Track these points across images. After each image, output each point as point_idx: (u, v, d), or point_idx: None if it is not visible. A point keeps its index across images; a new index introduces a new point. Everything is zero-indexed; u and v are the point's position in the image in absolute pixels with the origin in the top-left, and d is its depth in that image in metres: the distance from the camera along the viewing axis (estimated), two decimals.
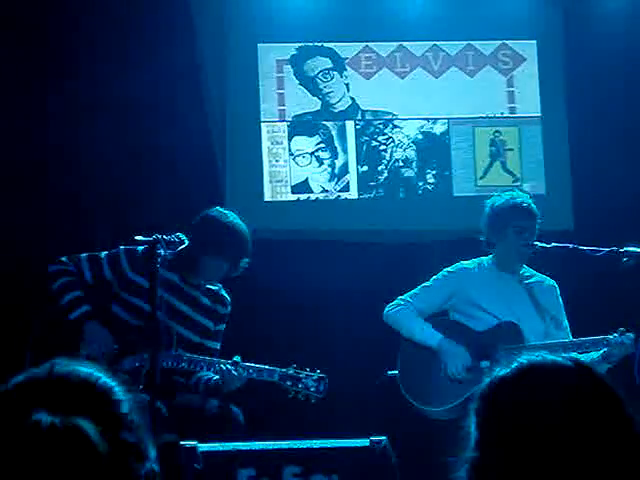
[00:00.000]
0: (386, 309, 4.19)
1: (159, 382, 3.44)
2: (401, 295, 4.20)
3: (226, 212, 4.01)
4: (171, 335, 3.86)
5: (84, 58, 5.24)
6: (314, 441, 3.47)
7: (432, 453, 3.74)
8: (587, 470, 1.36)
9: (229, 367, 3.79)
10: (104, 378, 1.20)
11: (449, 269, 4.22)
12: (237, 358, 3.84)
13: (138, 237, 3.67)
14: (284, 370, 3.83)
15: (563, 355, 1.49)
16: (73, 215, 5.15)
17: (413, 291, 4.19)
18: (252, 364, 3.83)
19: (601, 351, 3.86)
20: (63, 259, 3.96)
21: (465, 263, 4.23)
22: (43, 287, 3.94)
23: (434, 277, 4.21)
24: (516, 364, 1.46)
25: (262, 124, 5.53)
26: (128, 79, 5.26)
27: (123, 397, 1.19)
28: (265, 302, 5.16)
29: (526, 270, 4.24)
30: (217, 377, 3.82)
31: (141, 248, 3.92)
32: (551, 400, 1.40)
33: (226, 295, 4.13)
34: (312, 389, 3.82)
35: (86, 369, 1.21)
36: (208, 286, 4.06)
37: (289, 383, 3.81)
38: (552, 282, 4.24)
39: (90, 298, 3.94)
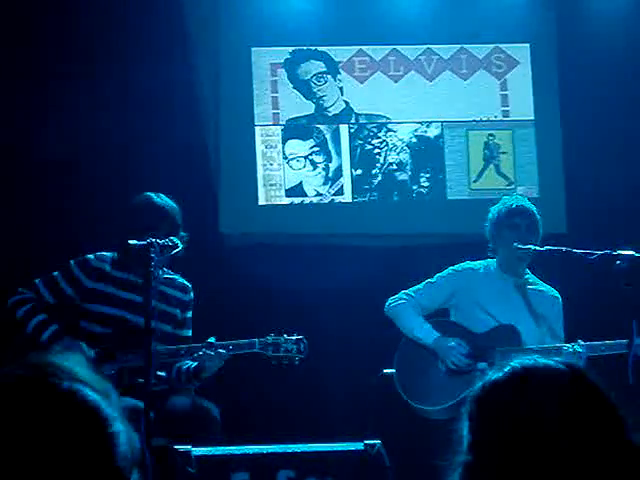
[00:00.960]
0: (388, 301, 4.21)
1: (146, 381, 3.46)
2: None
3: (147, 194, 4.03)
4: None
5: (81, 59, 5.23)
6: (308, 445, 3.47)
7: (426, 456, 3.73)
8: (579, 474, 1.37)
9: (205, 350, 3.81)
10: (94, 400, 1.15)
11: (454, 267, 4.24)
12: (211, 339, 3.87)
13: (131, 241, 3.68)
14: (262, 339, 3.86)
15: (557, 359, 1.49)
16: (65, 217, 5.14)
17: (417, 286, 4.22)
18: (230, 341, 3.85)
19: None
20: (20, 289, 4.00)
21: (472, 263, 4.26)
22: (6, 320, 3.96)
23: (439, 274, 4.24)
24: (509, 368, 1.46)
25: (256, 127, 5.53)
26: (122, 82, 5.26)
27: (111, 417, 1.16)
28: (259, 305, 5.16)
29: (531, 277, 4.25)
30: (195, 363, 3.83)
31: (91, 256, 3.99)
32: (544, 403, 1.40)
33: (186, 282, 4.14)
34: (294, 351, 3.86)
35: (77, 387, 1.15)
36: (165, 276, 4.05)
37: (270, 350, 3.84)
38: (556, 293, 4.25)
39: (55, 319, 3.97)
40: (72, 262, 4.02)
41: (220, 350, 3.82)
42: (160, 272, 4.02)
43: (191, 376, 3.90)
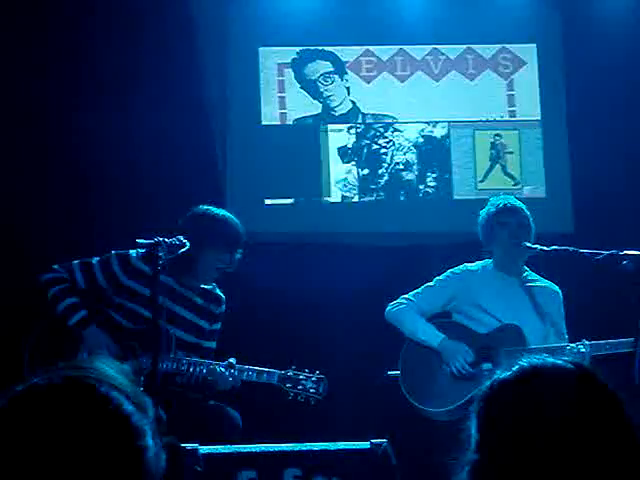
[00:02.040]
0: (388, 307, 4.20)
1: (160, 385, 3.45)
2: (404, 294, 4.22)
3: (212, 207, 4.04)
4: (170, 338, 3.87)
5: (85, 59, 5.24)
6: (315, 444, 3.47)
7: (432, 455, 3.74)
8: (586, 472, 1.37)
9: (222, 369, 3.80)
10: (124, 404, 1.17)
11: (453, 270, 4.24)
12: (232, 360, 3.85)
13: (139, 240, 3.68)
14: (283, 372, 3.84)
15: (565, 358, 1.50)
16: (74, 217, 5.16)
17: (416, 290, 4.22)
18: (251, 367, 3.84)
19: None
20: (55, 267, 3.98)
21: (469, 265, 4.26)
22: (38, 296, 3.95)
23: (438, 277, 4.23)
24: (517, 367, 1.46)
25: (263, 127, 5.54)
26: (129, 82, 5.27)
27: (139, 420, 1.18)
28: (266, 304, 5.17)
29: (530, 274, 4.25)
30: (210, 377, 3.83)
31: (133, 252, 3.96)
32: (552, 403, 1.41)
33: (220, 293, 4.14)
34: (312, 390, 3.83)
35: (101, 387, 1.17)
36: (202, 286, 4.07)
37: (289, 385, 3.82)
38: (556, 288, 4.25)
39: (86, 304, 3.95)
40: (113, 253, 3.99)
41: (227, 375, 3.79)
42: (198, 283, 4.04)
43: (203, 385, 3.90)
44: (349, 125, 5.57)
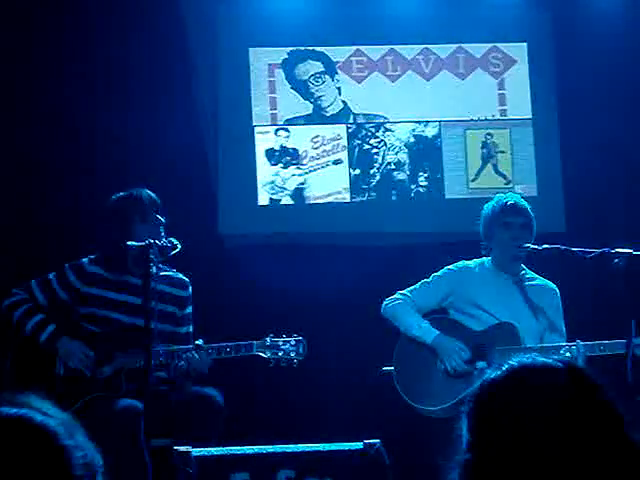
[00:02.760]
0: (384, 302, 4.20)
1: (143, 382, 3.46)
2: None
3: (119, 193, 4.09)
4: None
5: (74, 59, 5.23)
6: (308, 445, 3.47)
7: (426, 455, 3.74)
8: (578, 471, 1.37)
9: (193, 353, 3.80)
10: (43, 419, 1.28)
11: (450, 267, 4.24)
12: (199, 341, 3.87)
13: (131, 242, 3.68)
14: (260, 341, 3.85)
15: (555, 357, 1.50)
16: (65, 217, 5.14)
17: (413, 286, 4.21)
18: (227, 343, 3.85)
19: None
20: (14, 290, 4.01)
21: (467, 262, 4.26)
22: (4, 322, 3.96)
23: (435, 274, 4.23)
24: (507, 366, 1.46)
25: (254, 128, 5.53)
26: (118, 84, 5.26)
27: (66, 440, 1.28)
28: (258, 304, 5.16)
29: (527, 272, 4.25)
30: (182, 363, 3.84)
31: (85, 260, 4.01)
32: (542, 402, 1.41)
33: (183, 277, 4.14)
34: (292, 353, 3.86)
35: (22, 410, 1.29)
36: (162, 273, 4.05)
37: (268, 352, 3.84)
38: (553, 286, 4.25)
39: (53, 318, 3.98)
40: (66, 266, 4.03)
41: (196, 356, 3.80)
42: (155, 269, 4.03)
43: (184, 375, 3.91)
44: (277, 127, 5.54)
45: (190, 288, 4.13)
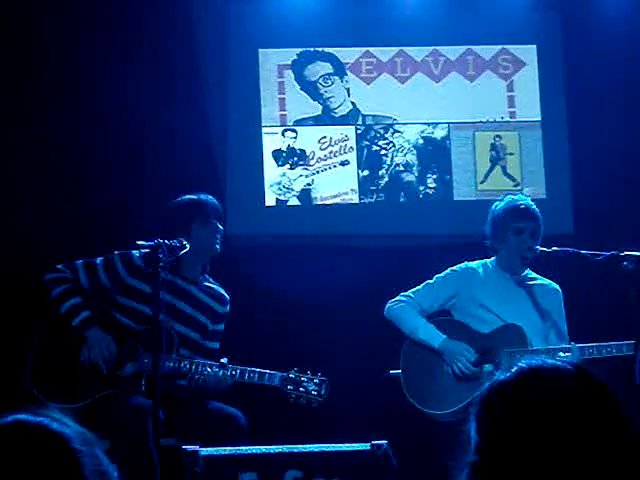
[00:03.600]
0: (388, 304, 4.19)
1: (161, 386, 3.46)
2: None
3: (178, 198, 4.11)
4: (172, 337, 3.86)
5: (84, 61, 5.25)
6: (315, 445, 3.47)
7: (433, 456, 3.74)
8: (586, 473, 1.37)
9: (215, 371, 3.79)
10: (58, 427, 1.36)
11: (454, 268, 4.24)
12: (224, 360, 3.84)
13: (140, 242, 3.69)
14: (285, 374, 3.83)
15: (564, 360, 1.50)
16: (73, 220, 5.16)
17: (416, 288, 4.21)
18: (252, 368, 3.83)
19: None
20: (59, 266, 3.97)
21: (470, 263, 4.25)
22: (41, 295, 3.94)
23: (438, 275, 4.23)
24: (516, 368, 1.47)
25: (263, 129, 5.54)
26: (128, 84, 5.27)
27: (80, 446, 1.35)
28: (267, 305, 5.17)
29: (529, 273, 4.25)
30: (201, 377, 3.82)
31: (136, 252, 3.95)
32: (551, 404, 1.41)
33: (224, 293, 4.13)
34: (314, 392, 3.81)
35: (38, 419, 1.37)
36: (206, 283, 4.06)
37: (290, 387, 3.81)
38: (556, 286, 4.25)
39: (90, 304, 3.95)
40: (116, 253, 4.00)
41: (226, 373, 3.79)
42: (201, 278, 4.04)
43: (201, 392, 3.89)
44: (284, 128, 5.55)
45: (228, 306, 4.12)
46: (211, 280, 4.10)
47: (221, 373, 3.79)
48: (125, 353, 3.86)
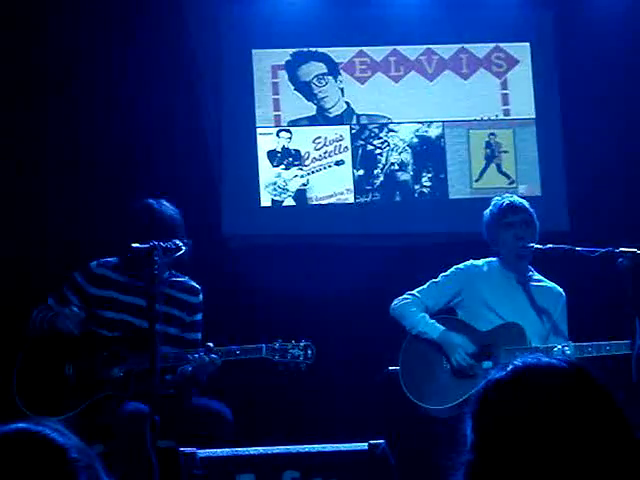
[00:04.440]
0: (393, 303, 4.21)
1: (150, 384, 3.47)
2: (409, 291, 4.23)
3: (147, 201, 4.07)
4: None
5: (81, 59, 5.24)
6: (313, 445, 3.48)
7: (430, 455, 3.74)
8: (583, 471, 1.37)
9: (201, 355, 3.81)
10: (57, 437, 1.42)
11: (459, 266, 4.25)
12: (210, 344, 3.88)
13: (135, 244, 3.69)
14: (270, 345, 3.87)
15: (559, 357, 1.50)
16: (72, 218, 5.16)
17: (421, 287, 4.22)
18: (236, 345, 3.86)
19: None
20: (34, 311, 4.04)
21: (475, 261, 4.27)
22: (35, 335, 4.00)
23: (443, 273, 4.24)
24: (511, 366, 1.47)
25: (258, 129, 5.54)
26: (122, 86, 5.27)
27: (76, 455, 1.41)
28: (263, 305, 5.17)
29: (534, 274, 4.26)
30: (187, 366, 3.85)
31: (93, 263, 4.06)
32: (546, 402, 1.41)
33: (194, 284, 4.15)
34: (301, 357, 3.88)
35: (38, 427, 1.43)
36: (173, 279, 4.07)
37: (277, 356, 3.85)
38: (560, 290, 4.26)
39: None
40: (74, 273, 4.09)
41: (212, 356, 3.83)
42: (167, 274, 4.05)
43: (190, 379, 3.91)
44: (278, 129, 5.55)
45: (201, 295, 4.14)
46: (179, 275, 4.11)
47: (207, 358, 3.81)
48: (109, 360, 3.89)
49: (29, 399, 3.88)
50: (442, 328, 4.08)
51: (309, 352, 3.88)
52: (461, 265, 4.25)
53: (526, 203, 4.19)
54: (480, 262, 4.27)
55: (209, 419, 3.86)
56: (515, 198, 4.22)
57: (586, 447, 1.38)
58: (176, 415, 3.83)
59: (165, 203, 4.07)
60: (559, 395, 1.42)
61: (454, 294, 4.20)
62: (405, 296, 4.21)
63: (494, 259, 4.27)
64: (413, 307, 4.16)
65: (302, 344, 3.90)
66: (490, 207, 4.22)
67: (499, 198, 4.26)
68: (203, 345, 3.93)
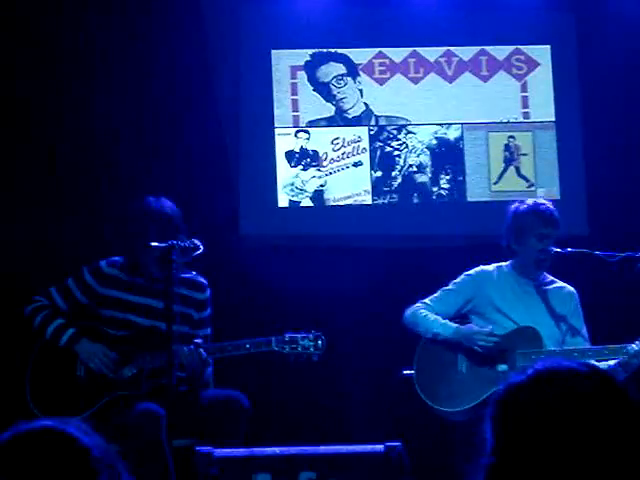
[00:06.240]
0: (405, 312, 4.20)
1: (164, 382, 3.48)
2: (420, 299, 4.21)
3: (145, 198, 4.07)
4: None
5: (98, 62, 5.26)
6: (329, 446, 3.47)
7: (447, 457, 3.73)
8: (603, 474, 1.36)
9: (191, 349, 3.81)
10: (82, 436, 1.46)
11: (469, 272, 4.23)
12: (198, 340, 3.89)
13: (153, 243, 3.70)
14: (280, 337, 3.87)
15: (580, 362, 1.49)
16: (85, 220, 5.17)
17: (433, 295, 4.21)
18: (245, 340, 3.86)
19: (619, 359, 3.86)
20: (36, 297, 4.06)
21: (485, 266, 4.25)
22: (26, 327, 4.01)
23: (454, 281, 4.22)
24: (532, 370, 1.46)
25: (276, 130, 5.54)
26: (142, 87, 5.29)
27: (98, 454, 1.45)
28: (279, 305, 5.17)
29: (546, 277, 4.23)
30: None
31: (103, 262, 4.04)
32: (567, 406, 1.40)
33: (202, 280, 4.15)
34: (311, 348, 3.87)
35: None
36: (181, 275, 4.07)
37: (287, 348, 3.85)
38: (571, 289, 4.23)
39: (73, 322, 4.03)
40: (84, 269, 4.08)
41: (200, 351, 3.83)
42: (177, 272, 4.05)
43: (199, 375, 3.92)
44: (297, 129, 5.54)
45: (208, 290, 4.14)
46: (185, 270, 4.10)
47: (193, 350, 3.80)
48: (120, 360, 3.90)
49: (41, 401, 3.89)
50: (454, 326, 4.07)
51: (319, 342, 3.88)
52: (471, 271, 4.23)
53: (557, 215, 4.14)
54: (490, 267, 4.24)
55: (225, 406, 3.86)
56: (553, 208, 4.15)
57: (608, 452, 1.37)
58: (191, 410, 3.84)
59: (164, 200, 4.05)
60: (579, 400, 1.41)
61: (465, 301, 4.19)
62: (417, 305, 4.20)
63: (505, 263, 4.23)
64: (426, 314, 4.15)
65: (312, 335, 3.89)
66: (529, 208, 4.13)
67: (539, 202, 4.19)
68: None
